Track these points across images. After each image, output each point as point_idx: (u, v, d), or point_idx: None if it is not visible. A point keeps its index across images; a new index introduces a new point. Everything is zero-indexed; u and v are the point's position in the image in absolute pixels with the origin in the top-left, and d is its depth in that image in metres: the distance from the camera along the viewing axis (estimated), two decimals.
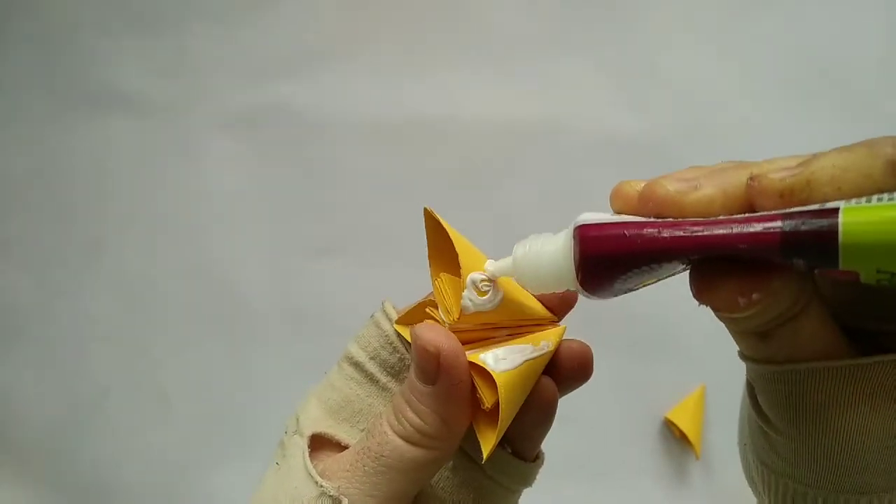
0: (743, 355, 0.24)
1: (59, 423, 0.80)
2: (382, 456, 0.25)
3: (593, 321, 0.78)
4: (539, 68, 0.74)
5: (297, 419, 0.29)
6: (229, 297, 0.78)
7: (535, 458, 0.29)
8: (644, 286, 0.22)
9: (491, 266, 0.26)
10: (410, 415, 0.25)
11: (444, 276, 0.26)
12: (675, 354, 0.71)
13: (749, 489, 0.29)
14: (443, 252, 0.26)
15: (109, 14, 0.81)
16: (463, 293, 0.25)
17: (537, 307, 0.26)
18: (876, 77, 0.70)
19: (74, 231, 0.81)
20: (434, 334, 0.24)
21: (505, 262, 0.25)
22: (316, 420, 0.28)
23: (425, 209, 0.26)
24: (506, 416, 0.24)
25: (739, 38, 0.72)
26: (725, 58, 0.72)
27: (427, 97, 0.75)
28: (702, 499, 0.71)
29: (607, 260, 0.21)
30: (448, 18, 0.75)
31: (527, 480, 0.29)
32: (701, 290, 0.21)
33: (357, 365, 0.29)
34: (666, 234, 0.20)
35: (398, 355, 0.28)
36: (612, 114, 0.73)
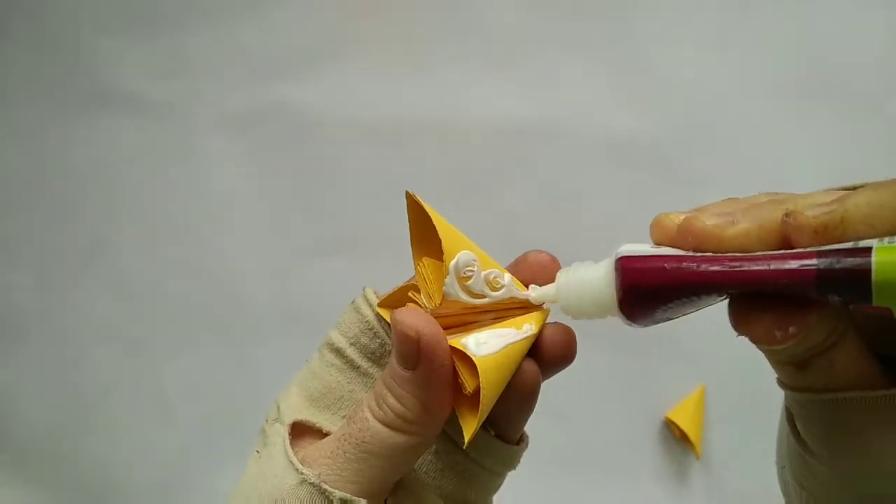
0: (781, 383, 0.24)
1: (59, 423, 0.80)
2: (364, 442, 0.25)
3: (593, 321, 0.78)
4: (539, 68, 0.74)
5: (278, 407, 0.29)
6: (229, 296, 0.78)
7: (519, 441, 0.29)
8: (683, 315, 0.23)
9: (534, 292, 0.26)
10: (391, 400, 0.25)
11: (426, 260, 0.26)
12: (675, 354, 0.71)
13: (750, 490, 0.29)
14: (426, 237, 0.26)
15: (109, 14, 0.81)
16: (445, 279, 0.25)
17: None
18: (876, 77, 0.70)
19: (74, 231, 0.81)
20: (414, 318, 0.24)
21: (548, 289, 0.26)
22: (296, 408, 0.28)
23: (407, 193, 0.26)
24: (487, 401, 0.24)
25: (739, 38, 0.72)
26: (726, 58, 0.72)
27: (427, 97, 0.75)
28: (702, 499, 0.71)
29: (648, 292, 0.22)
30: (448, 18, 0.75)
31: (511, 463, 0.29)
32: (739, 322, 0.22)
33: (337, 351, 0.29)
34: (704, 268, 0.22)
35: (379, 340, 0.28)
36: (612, 114, 0.73)
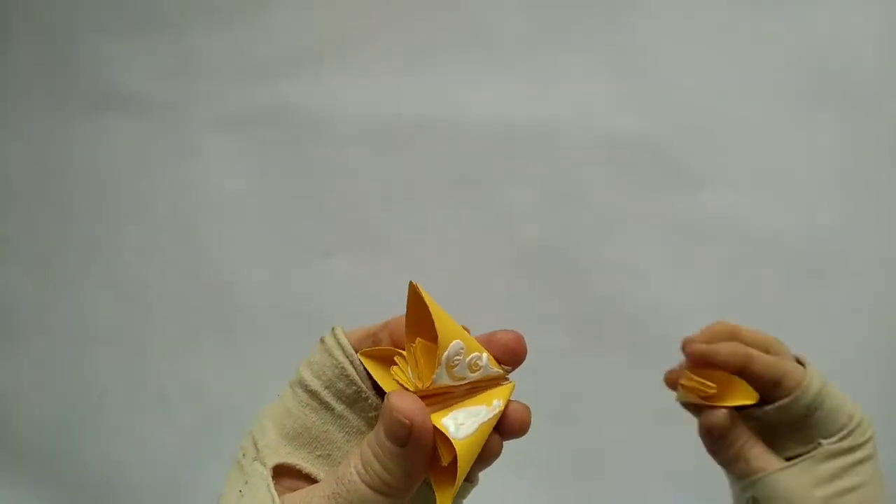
0: (733, 480, 0.41)
1: (59, 423, 0.80)
2: (350, 501, 0.28)
3: (594, 321, 0.78)
4: (539, 69, 0.74)
5: (255, 443, 0.31)
6: (229, 297, 0.78)
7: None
8: None
9: None
10: (378, 467, 0.28)
11: (419, 342, 0.29)
12: (676, 354, 0.71)
13: None
14: (420, 321, 0.29)
15: (110, 15, 0.81)
16: (437, 370, 0.28)
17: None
18: (877, 78, 0.70)
19: (74, 231, 0.81)
20: (409, 405, 0.27)
21: None
22: (274, 446, 0.30)
23: (411, 284, 0.28)
24: (462, 474, 0.27)
25: (739, 38, 0.72)
26: (725, 58, 0.72)
27: (427, 98, 0.75)
28: (702, 499, 0.71)
29: None
30: (448, 19, 0.75)
31: (465, 494, 0.33)
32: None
33: (312, 393, 0.30)
34: None
35: (354, 387, 0.30)
36: (611, 114, 0.73)
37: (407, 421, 0.27)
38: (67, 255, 0.81)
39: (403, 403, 0.27)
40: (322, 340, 0.31)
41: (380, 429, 0.28)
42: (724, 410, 0.39)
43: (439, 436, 0.28)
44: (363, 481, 0.28)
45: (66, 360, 0.80)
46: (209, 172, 0.79)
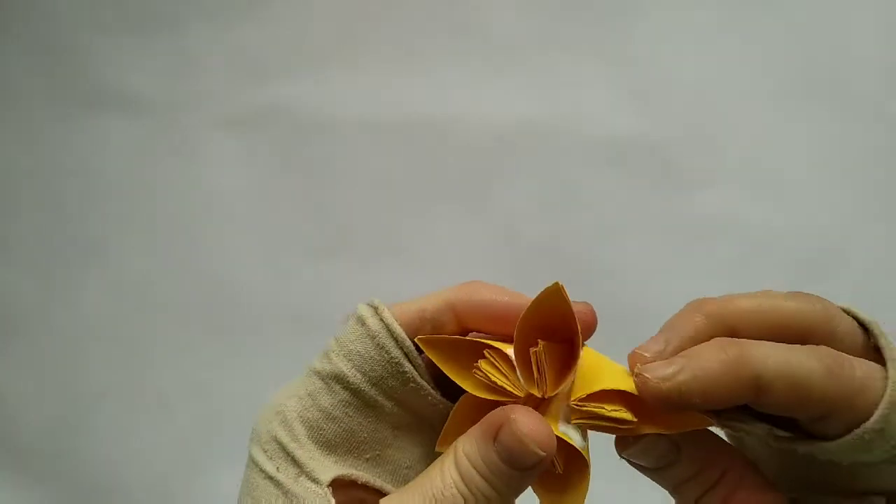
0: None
1: (58, 424, 0.80)
2: None
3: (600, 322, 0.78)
4: (539, 69, 0.74)
5: (290, 454, 0.26)
6: (229, 297, 0.78)
7: None
8: None
9: None
10: (485, 487, 0.23)
11: (543, 344, 0.24)
12: None
13: None
14: (539, 323, 0.24)
15: (108, 14, 0.81)
16: (567, 380, 0.24)
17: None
18: (878, 78, 0.70)
19: (73, 231, 0.81)
20: (543, 433, 0.23)
21: None
22: (320, 460, 0.26)
23: (556, 284, 0.24)
24: (587, 485, 0.24)
25: (740, 38, 0.72)
26: (726, 58, 0.72)
27: (427, 97, 0.75)
28: None
29: None
30: (448, 19, 0.75)
31: None
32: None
33: (356, 391, 0.25)
34: None
35: (412, 385, 0.25)
36: (612, 114, 0.73)
37: (542, 453, 0.22)
38: (66, 255, 0.81)
39: (536, 430, 0.22)
40: (362, 322, 0.25)
41: (489, 447, 0.23)
42: (652, 438, 0.24)
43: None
44: (465, 499, 0.23)
45: (65, 360, 0.80)
46: (209, 172, 0.79)
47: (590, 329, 0.26)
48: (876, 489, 0.23)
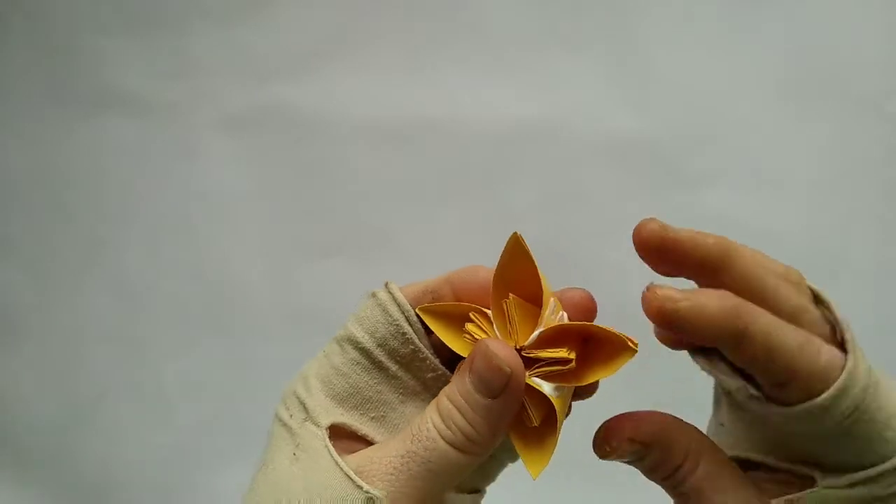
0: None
1: (60, 423, 0.80)
2: (429, 461, 0.25)
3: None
4: (539, 69, 0.74)
5: (303, 403, 0.28)
6: (229, 297, 0.78)
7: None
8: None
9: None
10: (462, 422, 0.25)
11: (514, 297, 0.26)
12: (675, 354, 0.71)
13: None
14: (511, 277, 0.27)
15: (109, 15, 0.81)
16: (537, 329, 0.26)
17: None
18: (876, 77, 0.70)
19: (74, 231, 0.81)
20: (508, 353, 0.25)
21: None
22: (325, 406, 0.28)
23: (514, 235, 0.26)
24: (559, 432, 0.26)
25: (739, 38, 0.72)
26: (725, 58, 0.72)
27: (427, 97, 0.75)
28: None
29: None
30: (448, 19, 0.75)
31: (513, 456, 0.31)
32: None
33: (364, 351, 0.28)
34: None
35: (411, 347, 0.28)
36: (612, 114, 0.73)
37: (508, 369, 0.24)
38: (67, 255, 0.81)
39: (503, 350, 0.25)
40: (374, 295, 0.28)
41: (464, 379, 0.25)
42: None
43: (529, 394, 0.26)
44: (444, 438, 0.25)
45: (66, 360, 0.80)
46: (209, 172, 0.79)
47: (591, 313, 0.28)
48: (814, 459, 0.26)
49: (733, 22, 0.72)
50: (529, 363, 0.26)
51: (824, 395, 0.24)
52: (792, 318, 0.26)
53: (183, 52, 0.79)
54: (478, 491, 0.30)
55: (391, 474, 0.25)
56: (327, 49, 0.77)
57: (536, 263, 0.26)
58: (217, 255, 0.78)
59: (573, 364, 0.25)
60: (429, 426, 0.26)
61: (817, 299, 0.27)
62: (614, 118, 0.73)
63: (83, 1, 0.81)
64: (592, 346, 0.27)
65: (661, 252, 0.26)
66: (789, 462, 0.27)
